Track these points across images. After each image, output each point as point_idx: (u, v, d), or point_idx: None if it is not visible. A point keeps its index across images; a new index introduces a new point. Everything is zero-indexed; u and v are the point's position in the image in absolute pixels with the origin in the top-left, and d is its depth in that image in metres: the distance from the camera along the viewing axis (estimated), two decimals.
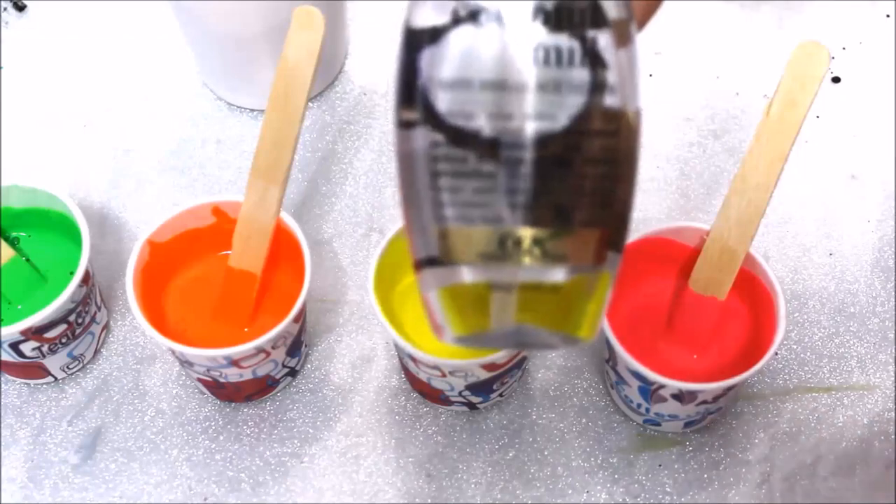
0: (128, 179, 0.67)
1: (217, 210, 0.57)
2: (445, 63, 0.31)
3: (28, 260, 0.58)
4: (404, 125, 0.32)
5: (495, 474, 0.58)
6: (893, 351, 0.61)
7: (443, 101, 0.31)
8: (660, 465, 0.58)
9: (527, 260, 0.32)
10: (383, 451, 0.59)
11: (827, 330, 0.62)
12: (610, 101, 0.31)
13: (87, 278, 0.56)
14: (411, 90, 0.32)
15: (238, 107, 0.70)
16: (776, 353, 0.61)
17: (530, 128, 0.31)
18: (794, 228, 0.66)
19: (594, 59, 0.31)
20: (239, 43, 0.64)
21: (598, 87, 0.31)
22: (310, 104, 0.70)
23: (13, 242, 0.59)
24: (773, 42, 0.72)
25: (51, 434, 0.59)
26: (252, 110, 0.70)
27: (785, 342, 0.61)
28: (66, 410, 0.60)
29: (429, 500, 0.57)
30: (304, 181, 0.67)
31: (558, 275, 0.32)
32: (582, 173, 0.31)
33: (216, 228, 0.58)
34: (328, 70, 0.70)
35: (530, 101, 0.31)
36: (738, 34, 0.73)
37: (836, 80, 0.71)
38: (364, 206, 0.66)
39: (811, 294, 0.63)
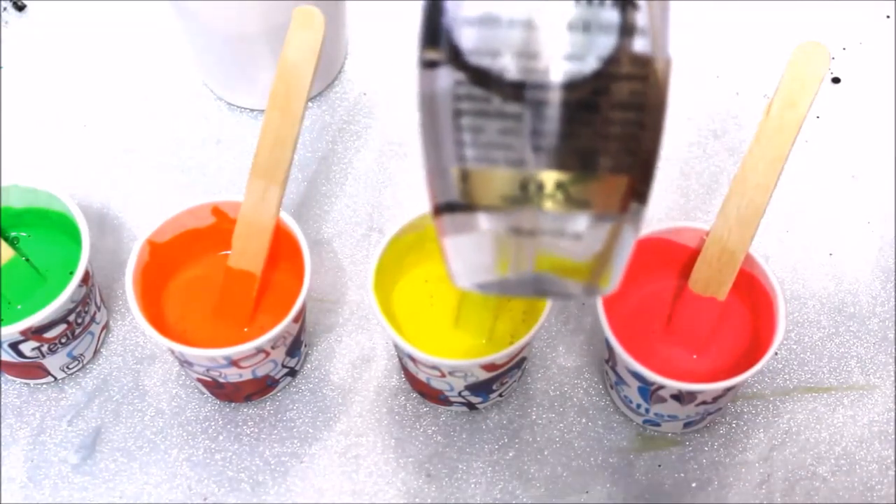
0: (128, 179, 0.67)
1: (217, 210, 0.57)
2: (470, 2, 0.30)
3: (28, 260, 0.58)
4: (427, 65, 0.31)
5: (495, 474, 0.58)
6: (893, 351, 0.61)
7: (468, 39, 0.30)
8: (660, 465, 0.58)
9: (549, 204, 0.31)
10: (383, 451, 0.59)
11: (827, 330, 0.62)
12: (640, 45, 0.30)
13: (86, 278, 0.56)
14: (436, 28, 0.31)
15: (238, 107, 0.70)
16: (776, 354, 0.61)
17: (558, 69, 0.30)
18: (794, 228, 0.66)
19: (626, 1, 0.30)
20: (239, 43, 0.64)
21: (628, 29, 0.30)
22: (310, 104, 0.70)
23: (13, 242, 0.59)
24: (773, 42, 0.72)
25: (51, 434, 0.59)
26: (252, 110, 0.70)
27: (785, 342, 0.61)
28: (66, 410, 0.60)
29: (429, 500, 0.57)
30: (304, 181, 0.67)
31: (581, 222, 0.32)
32: (609, 118, 0.31)
33: (216, 228, 0.58)
34: (328, 70, 0.70)
35: (559, 41, 0.30)
36: (738, 34, 0.73)
37: (836, 80, 0.71)
38: (364, 206, 0.66)
39: (811, 294, 0.63)
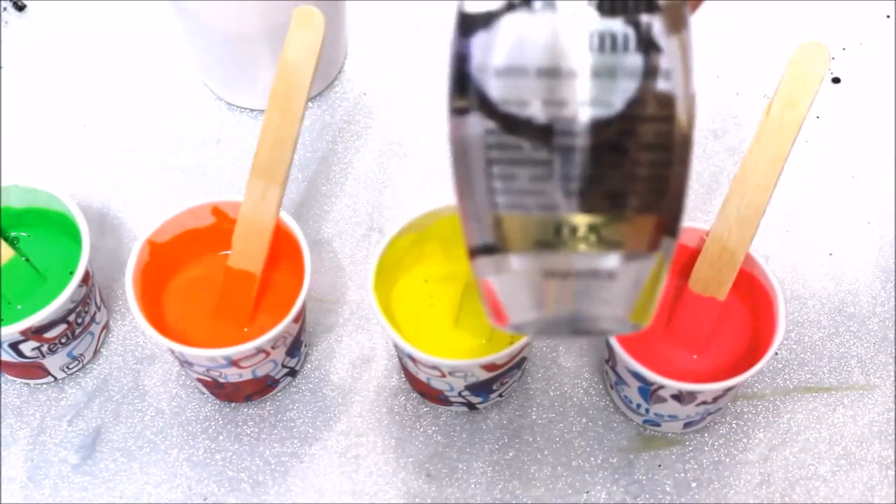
0: (128, 179, 0.67)
1: (217, 210, 0.57)
2: (498, 49, 0.31)
3: (28, 260, 0.58)
4: (457, 112, 0.32)
5: (495, 474, 0.58)
6: (893, 351, 0.61)
7: (496, 89, 0.31)
8: (660, 465, 0.58)
9: (582, 247, 0.32)
10: (383, 451, 0.59)
11: (827, 330, 0.62)
12: (664, 86, 0.31)
13: (86, 278, 0.56)
14: (464, 77, 0.32)
15: (238, 107, 0.70)
16: (776, 353, 0.61)
17: (584, 114, 0.31)
18: (794, 228, 0.66)
19: (648, 45, 0.31)
20: (239, 43, 0.64)
21: (651, 72, 0.31)
22: (310, 104, 0.70)
23: (13, 242, 0.59)
24: (773, 42, 0.72)
25: (51, 434, 0.59)
26: (252, 110, 0.70)
27: (785, 342, 0.61)
28: (66, 410, 0.60)
29: (429, 500, 0.57)
30: (304, 181, 0.67)
31: (613, 261, 0.32)
32: (636, 159, 0.31)
33: (216, 228, 0.58)
34: (328, 70, 0.70)
35: (584, 88, 0.31)
36: (738, 34, 0.73)
37: (836, 80, 0.71)
38: (364, 206, 0.66)
39: (811, 294, 0.63)
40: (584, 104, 0.31)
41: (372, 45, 0.73)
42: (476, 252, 0.34)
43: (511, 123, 0.31)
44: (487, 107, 0.31)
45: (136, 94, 0.71)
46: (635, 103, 0.31)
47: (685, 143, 0.33)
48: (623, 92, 0.31)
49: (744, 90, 0.71)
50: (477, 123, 0.32)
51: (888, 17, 0.74)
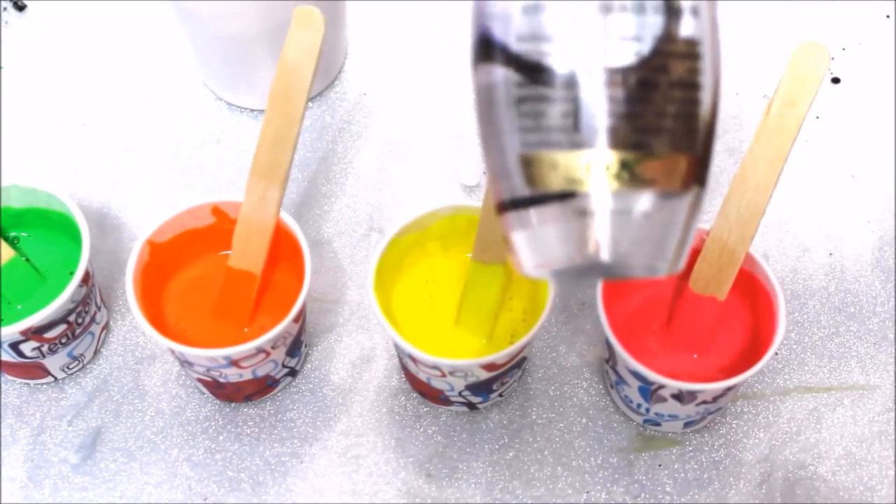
0: (128, 179, 0.67)
1: (217, 210, 0.57)
2: None
3: (28, 260, 0.58)
4: (482, 59, 0.32)
5: (495, 474, 0.58)
6: (893, 351, 0.61)
7: (519, 33, 0.31)
8: (660, 465, 0.58)
9: (615, 184, 0.32)
10: (383, 451, 0.59)
11: (827, 330, 0.62)
12: (693, 24, 0.31)
13: (87, 278, 0.56)
14: (489, 43, 0.32)
15: (238, 107, 0.70)
16: (776, 353, 0.61)
17: (616, 50, 0.31)
18: (794, 228, 0.66)
19: None
20: (239, 43, 0.64)
21: (679, 9, 0.31)
22: (310, 104, 0.70)
23: (13, 242, 0.59)
24: (773, 42, 0.72)
25: (51, 434, 0.59)
26: (252, 110, 0.70)
27: (785, 342, 0.61)
28: (66, 410, 0.60)
29: (429, 500, 0.57)
30: (304, 181, 0.67)
31: (646, 200, 0.32)
32: (668, 96, 0.31)
33: (216, 228, 0.58)
34: (328, 70, 0.70)
35: (613, 24, 0.31)
36: (738, 34, 0.73)
37: (835, 80, 0.71)
38: (364, 206, 0.66)
39: (811, 294, 0.63)
40: (614, 40, 0.31)
41: (372, 45, 0.73)
42: (505, 206, 0.34)
43: (538, 66, 0.31)
44: (513, 55, 0.31)
45: (136, 94, 0.71)
46: (666, 39, 0.31)
47: (715, 85, 0.33)
48: (652, 28, 0.31)
49: (744, 90, 0.71)
50: (503, 69, 0.32)
51: (888, 17, 0.74)
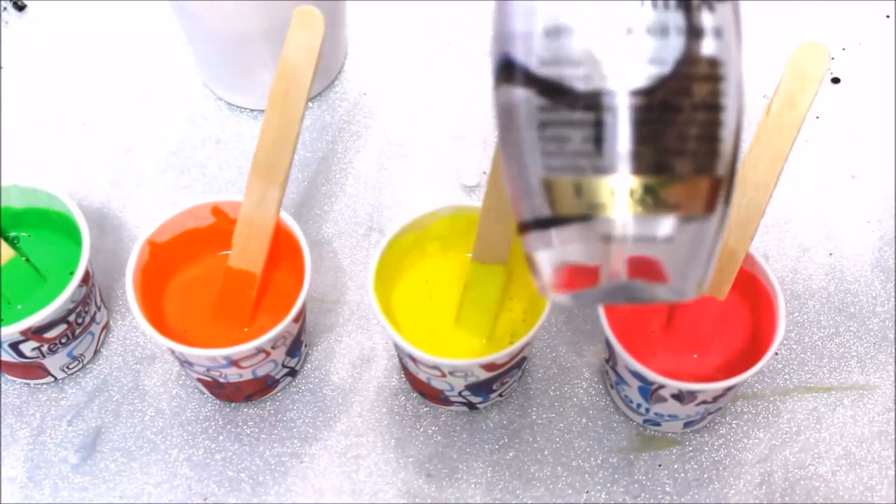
0: (128, 179, 0.67)
1: (217, 210, 0.57)
2: (541, 11, 0.31)
3: (28, 260, 0.58)
4: (503, 79, 0.32)
5: (495, 474, 0.58)
6: (893, 351, 0.61)
7: (541, 55, 0.31)
8: (660, 465, 0.58)
9: (639, 210, 0.31)
10: (383, 451, 0.59)
11: (827, 330, 0.62)
12: (716, 45, 0.31)
13: (87, 278, 0.56)
14: (510, 65, 0.32)
15: (238, 107, 0.70)
16: (776, 353, 0.61)
17: (637, 73, 0.31)
18: (794, 228, 0.66)
19: (700, 3, 0.31)
20: (239, 43, 0.64)
21: (702, 31, 0.31)
22: (310, 104, 0.70)
23: (13, 242, 0.59)
24: (773, 42, 0.72)
25: (51, 434, 0.59)
26: (252, 110, 0.70)
27: (785, 342, 0.61)
28: (66, 410, 0.60)
29: (429, 500, 0.57)
30: (304, 181, 0.67)
31: (670, 225, 0.32)
32: (690, 118, 0.31)
33: (216, 228, 0.58)
34: (328, 70, 0.70)
35: (635, 46, 0.30)
36: None
37: (835, 80, 0.71)
38: (364, 206, 0.66)
39: (811, 294, 0.63)
40: (636, 62, 0.30)
41: (372, 45, 0.73)
42: (527, 227, 0.33)
43: (560, 86, 0.31)
44: (534, 76, 0.31)
45: (136, 94, 0.71)
46: (685, 62, 0.31)
47: (738, 104, 0.32)
48: (674, 49, 0.31)
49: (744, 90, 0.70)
50: (524, 90, 0.31)
51: (888, 17, 0.74)
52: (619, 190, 0.31)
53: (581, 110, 0.31)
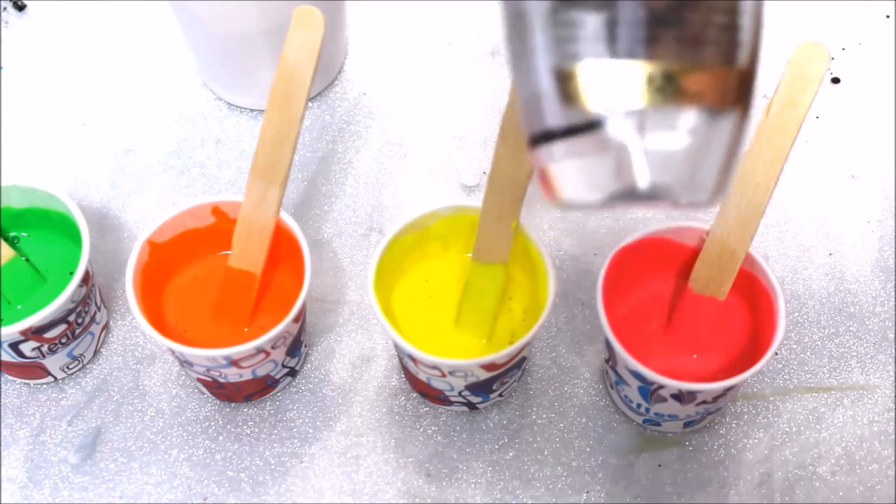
0: (128, 179, 0.67)
1: (217, 210, 0.57)
2: None
3: (28, 260, 0.58)
4: None
5: (495, 474, 0.58)
6: (893, 351, 0.61)
7: None
8: (660, 465, 0.58)
9: (659, 98, 0.29)
10: (383, 451, 0.59)
11: (827, 330, 0.62)
12: None
13: (87, 278, 0.56)
14: None
15: (238, 107, 0.70)
16: (776, 353, 0.61)
17: None
18: (794, 228, 0.66)
19: None
20: (239, 43, 0.64)
21: None
22: (310, 104, 0.70)
23: (13, 242, 0.59)
24: (773, 42, 0.72)
25: (51, 434, 0.59)
26: (252, 110, 0.70)
27: (785, 342, 0.61)
28: (66, 410, 0.60)
29: (429, 500, 0.57)
30: (304, 181, 0.67)
31: (692, 116, 0.30)
32: (715, 6, 0.29)
33: (216, 228, 0.58)
34: (328, 70, 0.70)
35: None
36: None
37: (835, 80, 0.71)
38: (364, 206, 0.66)
39: (811, 294, 0.63)
40: None
41: (372, 45, 0.73)
42: (537, 140, 0.31)
43: None
44: None
45: (135, 94, 0.71)
46: None
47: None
48: None
49: None
50: None
51: (888, 17, 0.74)
52: (637, 76, 0.29)
53: None
